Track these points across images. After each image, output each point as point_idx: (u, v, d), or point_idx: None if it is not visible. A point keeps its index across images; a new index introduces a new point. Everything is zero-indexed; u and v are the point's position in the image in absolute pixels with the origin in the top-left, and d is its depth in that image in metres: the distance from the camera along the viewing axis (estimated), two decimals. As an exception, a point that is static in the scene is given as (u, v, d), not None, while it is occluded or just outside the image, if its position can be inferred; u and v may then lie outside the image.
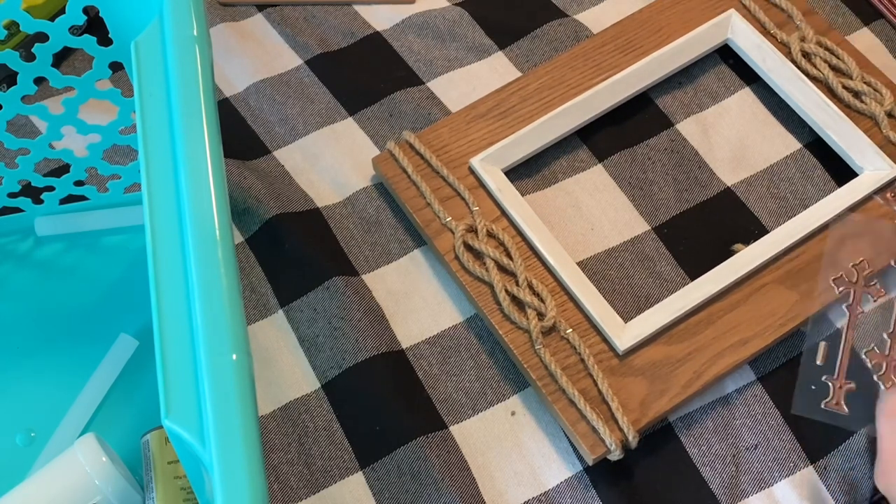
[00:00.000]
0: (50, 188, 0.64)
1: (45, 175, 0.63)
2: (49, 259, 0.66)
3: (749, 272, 0.60)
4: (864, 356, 0.52)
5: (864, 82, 0.66)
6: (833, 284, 0.55)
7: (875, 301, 0.54)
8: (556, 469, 0.57)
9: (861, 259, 0.54)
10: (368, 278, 0.63)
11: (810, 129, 0.66)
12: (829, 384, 0.53)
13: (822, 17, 0.70)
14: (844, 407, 0.52)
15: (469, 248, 0.62)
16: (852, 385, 0.53)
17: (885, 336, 0.52)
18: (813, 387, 0.53)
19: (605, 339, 0.58)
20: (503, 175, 0.64)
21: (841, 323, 0.54)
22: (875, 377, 0.51)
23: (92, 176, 0.67)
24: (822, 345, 0.54)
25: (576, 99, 0.66)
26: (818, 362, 0.53)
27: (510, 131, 0.66)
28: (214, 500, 0.35)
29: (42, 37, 0.52)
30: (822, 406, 0.52)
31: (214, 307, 0.38)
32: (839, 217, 0.58)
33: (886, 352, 0.52)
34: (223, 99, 0.71)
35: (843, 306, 0.54)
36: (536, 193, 0.66)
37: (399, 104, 0.70)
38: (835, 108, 0.65)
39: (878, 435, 0.51)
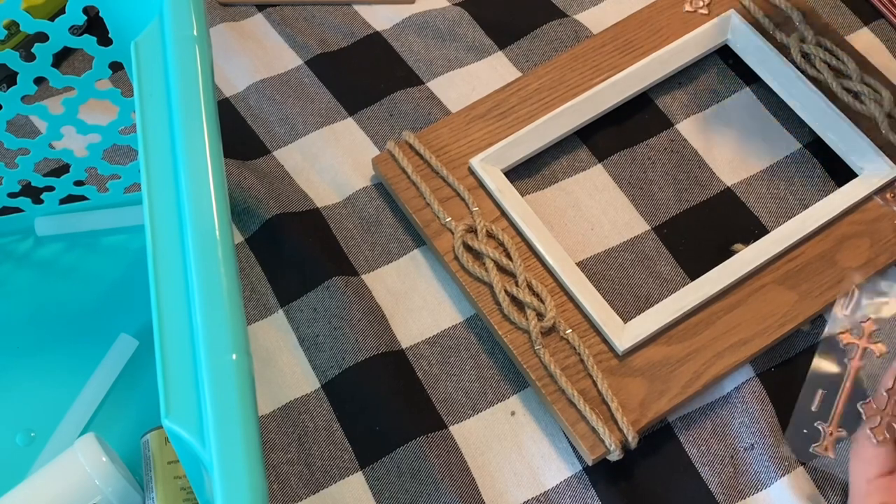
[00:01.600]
0: (50, 188, 0.64)
1: (45, 175, 0.63)
2: (49, 259, 0.66)
3: (749, 272, 0.60)
4: (860, 408, 0.54)
5: (864, 83, 0.66)
6: (839, 339, 0.57)
7: (877, 356, 0.56)
8: (555, 469, 0.57)
9: (868, 318, 0.57)
10: (368, 278, 0.63)
11: (810, 129, 0.66)
12: (821, 430, 0.55)
13: (821, 17, 0.70)
14: (832, 453, 0.55)
15: (469, 248, 0.62)
16: (843, 433, 0.55)
17: (884, 392, 0.54)
18: (805, 430, 0.56)
19: (605, 340, 0.58)
20: (503, 175, 0.64)
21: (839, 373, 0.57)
22: (868, 429, 0.53)
23: (92, 176, 0.67)
24: (820, 392, 0.56)
25: (576, 99, 0.66)
26: (813, 409, 0.56)
27: (510, 131, 0.66)
28: (214, 500, 0.35)
29: (42, 37, 0.52)
30: (811, 449, 0.55)
31: (214, 307, 0.38)
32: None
33: (883, 406, 0.54)
34: (223, 99, 0.71)
35: (845, 360, 0.57)
36: (536, 193, 0.66)
37: (399, 104, 0.70)
38: (834, 108, 0.65)
39: (850, 474, 0.53)
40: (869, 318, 0.58)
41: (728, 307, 0.59)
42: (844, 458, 0.55)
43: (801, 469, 0.56)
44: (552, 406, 0.57)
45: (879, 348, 0.57)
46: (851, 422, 0.55)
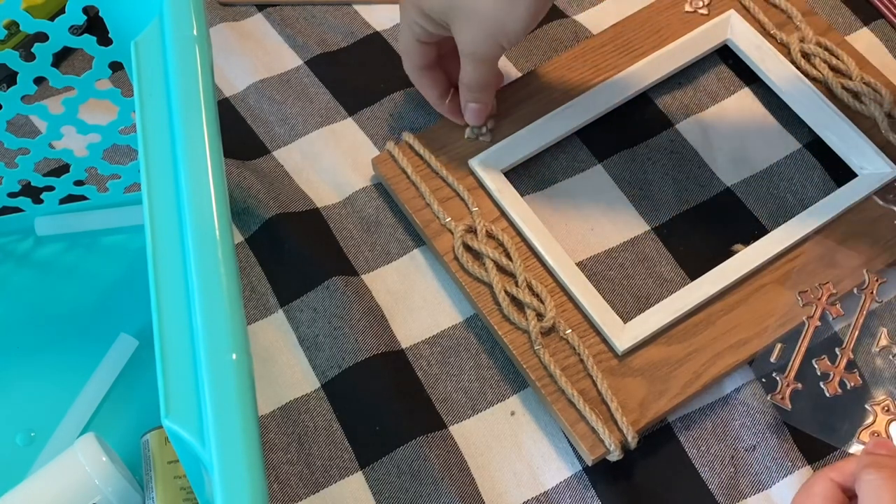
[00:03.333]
0: (50, 188, 0.64)
1: (45, 175, 0.63)
2: (49, 259, 0.66)
3: (748, 273, 0.60)
4: (814, 364, 0.57)
5: (864, 83, 0.66)
6: (799, 297, 0.59)
7: (833, 318, 0.59)
8: (555, 469, 0.57)
9: (827, 281, 0.59)
10: (368, 278, 0.63)
11: (810, 129, 0.66)
12: (779, 380, 0.57)
13: (821, 17, 0.70)
14: (788, 403, 0.57)
15: (468, 248, 0.62)
16: (799, 386, 0.57)
17: (837, 350, 0.58)
18: (763, 380, 0.58)
19: (605, 340, 0.58)
20: (503, 176, 0.64)
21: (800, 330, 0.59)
22: (821, 383, 0.57)
23: (92, 176, 0.67)
24: (779, 346, 0.58)
25: (575, 99, 0.66)
26: (772, 360, 0.58)
27: (509, 132, 0.66)
28: (214, 500, 0.35)
29: (42, 36, 0.52)
30: (769, 398, 0.57)
31: (214, 307, 0.38)
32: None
33: (836, 364, 0.57)
34: (223, 99, 0.71)
35: (804, 318, 0.59)
36: (536, 194, 0.66)
37: (399, 104, 0.70)
38: (834, 108, 0.65)
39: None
40: (829, 281, 0.59)
41: (728, 307, 0.59)
42: (799, 409, 0.57)
43: (805, 469, 0.56)
44: (552, 406, 0.57)
45: (836, 310, 0.58)
46: (804, 378, 0.57)
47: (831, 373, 0.57)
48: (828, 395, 0.56)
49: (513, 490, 0.57)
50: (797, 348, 0.58)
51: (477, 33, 0.57)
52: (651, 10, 0.70)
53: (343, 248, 0.65)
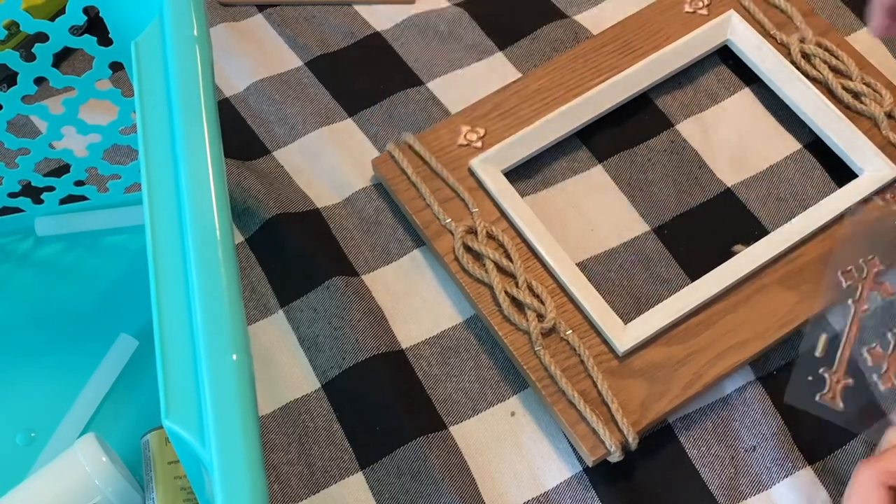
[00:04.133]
0: (50, 188, 0.64)
1: (45, 175, 0.63)
2: (49, 259, 0.66)
3: (749, 273, 0.60)
4: (864, 354, 0.50)
5: (864, 83, 0.66)
6: (841, 277, 0.52)
7: (883, 299, 0.51)
8: (555, 470, 0.57)
9: (872, 256, 0.52)
10: (368, 278, 0.63)
11: (810, 129, 0.66)
12: (826, 377, 0.51)
13: (821, 17, 0.70)
14: (840, 402, 0.50)
15: (469, 249, 0.62)
16: (850, 381, 0.51)
17: (889, 335, 0.50)
18: (809, 378, 0.51)
19: (605, 341, 0.58)
20: (503, 176, 0.64)
21: (843, 320, 0.52)
22: (874, 376, 0.50)
23: (92, 176, 0.67)
24: (823, 337, 0.52)
25: (575, 100, 0.66)
26: (817, 354, 0.52)
27: (510, 132, 0.66)
28: (214, 500, 0.35)
29: (42, 37, 0.52)
30: (817, 398, 0.51)
31: (214, 307, 0.38)
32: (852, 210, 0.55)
33: (889, 351, 0.50)
34: (223, 99, 0.71)
35: (849, 301, 0.52)
36: (536, 194, 0.66)
37: (399, 105, 0.70)
38: (834, 108, 0.65)
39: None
40: (874, 256, 0.52)
41: (728, 308, 0.59)
42: (853, 410, 0.51)
43: (805, 469, 0.56)
44: (552, 407, 0.57)
45: (886, 289, 0.51)
46: (856, 370, 0.51)
47: (884, 363, 0.49)
48: (882, 389, 0.49)
49: (513, 490, 0.57)
50: (844, 338, 0.50)
51: None
52: (651, 11, 0.70)
53: (343, 248, 0.65)
